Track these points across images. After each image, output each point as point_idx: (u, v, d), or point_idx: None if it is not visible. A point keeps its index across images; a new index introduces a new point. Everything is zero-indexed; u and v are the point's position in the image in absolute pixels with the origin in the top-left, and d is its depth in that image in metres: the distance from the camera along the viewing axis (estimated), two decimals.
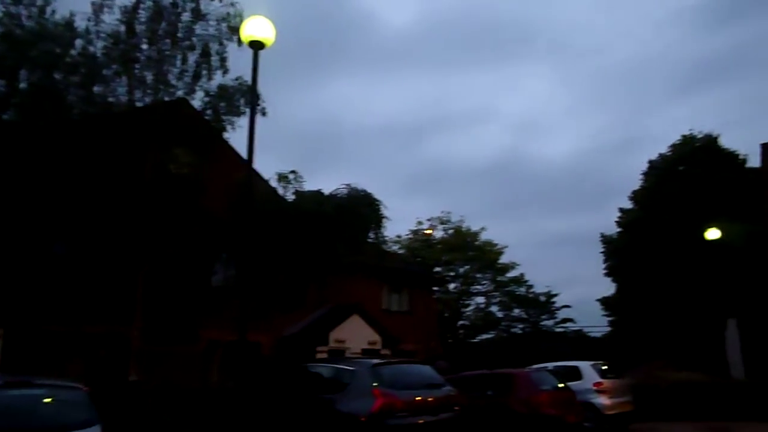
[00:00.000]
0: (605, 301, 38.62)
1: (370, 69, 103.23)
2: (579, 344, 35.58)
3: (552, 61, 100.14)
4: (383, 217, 16.22)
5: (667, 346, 28.67)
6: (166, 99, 14.83)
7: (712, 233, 21.81)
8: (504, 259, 39.95)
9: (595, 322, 49.95)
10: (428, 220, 41.03)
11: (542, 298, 40.12)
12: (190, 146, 13.98)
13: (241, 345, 8.26)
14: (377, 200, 16.14)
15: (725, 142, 35.10)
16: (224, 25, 14.79)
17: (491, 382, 12.47)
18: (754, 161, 30.94)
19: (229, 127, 15.12)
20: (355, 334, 20.82)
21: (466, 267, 39.37)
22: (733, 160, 34.35)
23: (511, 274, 40.05)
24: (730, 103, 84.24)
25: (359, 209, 15.46)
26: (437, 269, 37.35)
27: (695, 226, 25.50)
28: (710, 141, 35.22)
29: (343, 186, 16.23)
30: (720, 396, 15.97)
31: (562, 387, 12.68)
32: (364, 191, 15.98)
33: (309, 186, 16.13)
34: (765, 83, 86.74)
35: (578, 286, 70.48)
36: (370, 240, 16.81)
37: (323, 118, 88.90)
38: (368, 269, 22.37)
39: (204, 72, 14.99)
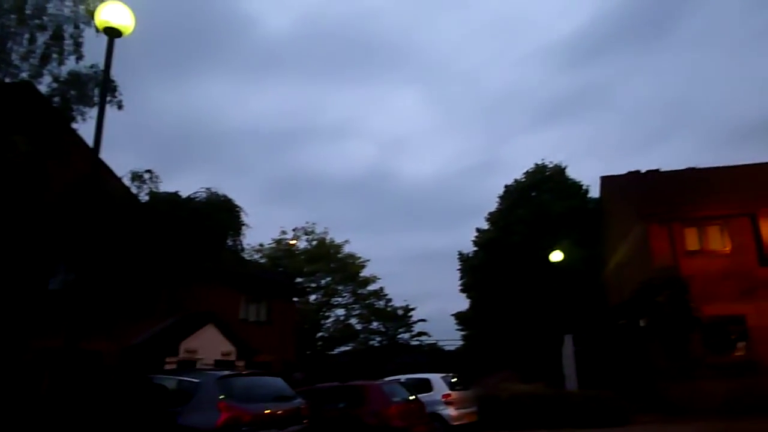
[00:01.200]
0: (460, 316, 40.40)
1: (244, 71, 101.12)
2: (434, 357, 36.81)
3: (423, 84, 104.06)
4: (243, 224, 15.76)
5: (513, 359, 30.48)
6: (8, 80, 13.43)
7: (556, 255, 23.56)
8: (366, 273, 40.51)
9: (450, 336, 52.07)
10: (293, 229, 40.68)
11: (400, 312, 41.12)
12: (32, 134, 12.71)
13: (70, 353, 7.54)
14: (238, 206, 15.64)
15: (571, 172, 38.32)
16: (81, 7, 13.68)
17: (344, 394, 12.47)
18: (595, 192, 34.03)
19: (79, 118, 13.97)
20: (209, 344, 19.96)
21: (328, 279, 39.41)
22: (577, 189, 37.44)
23: (372, 287, 40.69)
24: (578, 137, 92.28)
25: (217, 214, 14.88)
26: (299, 280, 36.99)
27: (542, 248, 27.42)
28: (559, 171, 38.16)
29: (203, 190, 15.58)
30: (555, 406, 17.14)
31: (412, 399, 12.95)
32: (225, 196, 15.43)
33: (166, 187, 15.29)
34: (607, 122, 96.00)
35: (435, 300, 73.32)
36: (228, 247, 16.24)
37: (191, 117, 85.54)
38: (225, 277, 21.61)
39: (54, 55, 13.76)
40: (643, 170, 25.78)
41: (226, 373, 9.87)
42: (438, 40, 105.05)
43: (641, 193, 22.05)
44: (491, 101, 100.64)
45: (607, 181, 25.52)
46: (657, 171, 25.37)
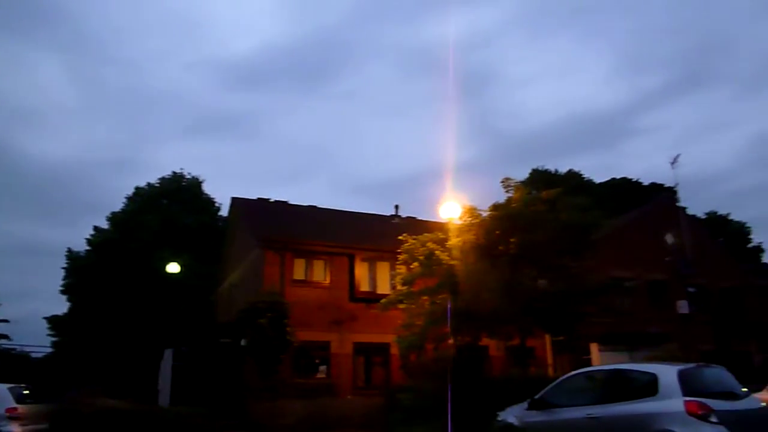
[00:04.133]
0: (54, 320, 36.11)
1: None
2: (15, 364, 32.03)
3: (75, 58, 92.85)
4: None
5: (109, 370, 28.45)
6: None
7: (172, 267, 23.09)
8: None
9: (42, 342, 46.03)
10: None
11: None
12: None
13: None
14: None
15: (208, 188, 38.50)
16: None
17: None
18: (226, 211, 34.69)
19: None
20: None
21: None
22: (210, 206, 37.75)
23: None
24: (224, 155, 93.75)
25: None
26: None
27: (164, 259, 26.52)
28: (195, 184, 37.98)
29: None
30: (141, 422, 16.42)
31: None
32: None
33: None
34: (255, 148, 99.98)
35: (32, 300, 64.33)
36: None
37: None
38: None
39: None
40: (273, 199, 27.35)
41: None
42: (103, 20, 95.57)
43: (264, 220, 23.27)
44: (147, 98, 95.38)
45: (237, 203, 26.25)
46: (285, 203, 27.18)
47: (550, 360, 23.01)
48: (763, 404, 8.84)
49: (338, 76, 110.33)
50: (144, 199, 35.89)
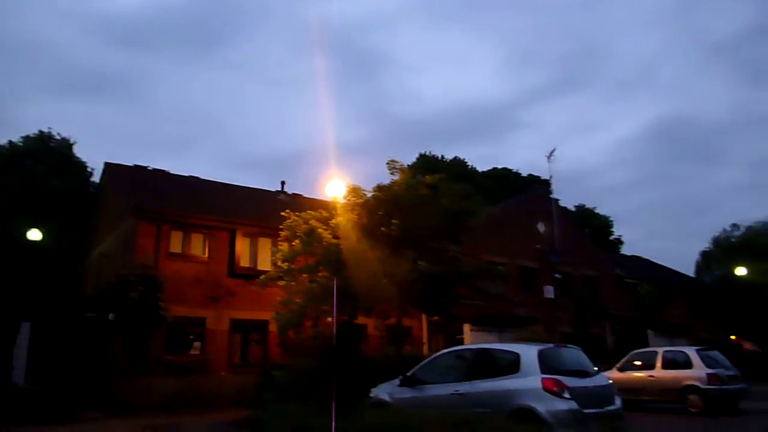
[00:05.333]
0: None
1: None
2: None
3: None
4: None
5: None
6: None
7: (33, 234, 21.33)
8: None
9: None
10: None
11: None
12: None
13: None
14: None
15: (80, 151, 35.84)
16: None
17: None
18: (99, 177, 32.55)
19: None
20: None
21: None
22: (82, 170, 35.24)
23: None
24: (101, 117, 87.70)
25: None
26: None
27: (24, 224, 24.47)
28: (65, 145, 35.27)
29: None
30: None
31: None
32: None
33: None
34: (136, 111, 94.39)
35: None
36: None
37: None
38: None
39: None
40: (152, 167, 25.96)
41: None
42: None
43: (140, 189, 22.04)
44: (10, 46, 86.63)
45: (110, 169, 24.65)
46: (164, 172, 25.88)
47: (425, 339, 23.79)
48: (610, 381, 9.65)
49: (228, 45, 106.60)
50: (4, 159, 32.81)
